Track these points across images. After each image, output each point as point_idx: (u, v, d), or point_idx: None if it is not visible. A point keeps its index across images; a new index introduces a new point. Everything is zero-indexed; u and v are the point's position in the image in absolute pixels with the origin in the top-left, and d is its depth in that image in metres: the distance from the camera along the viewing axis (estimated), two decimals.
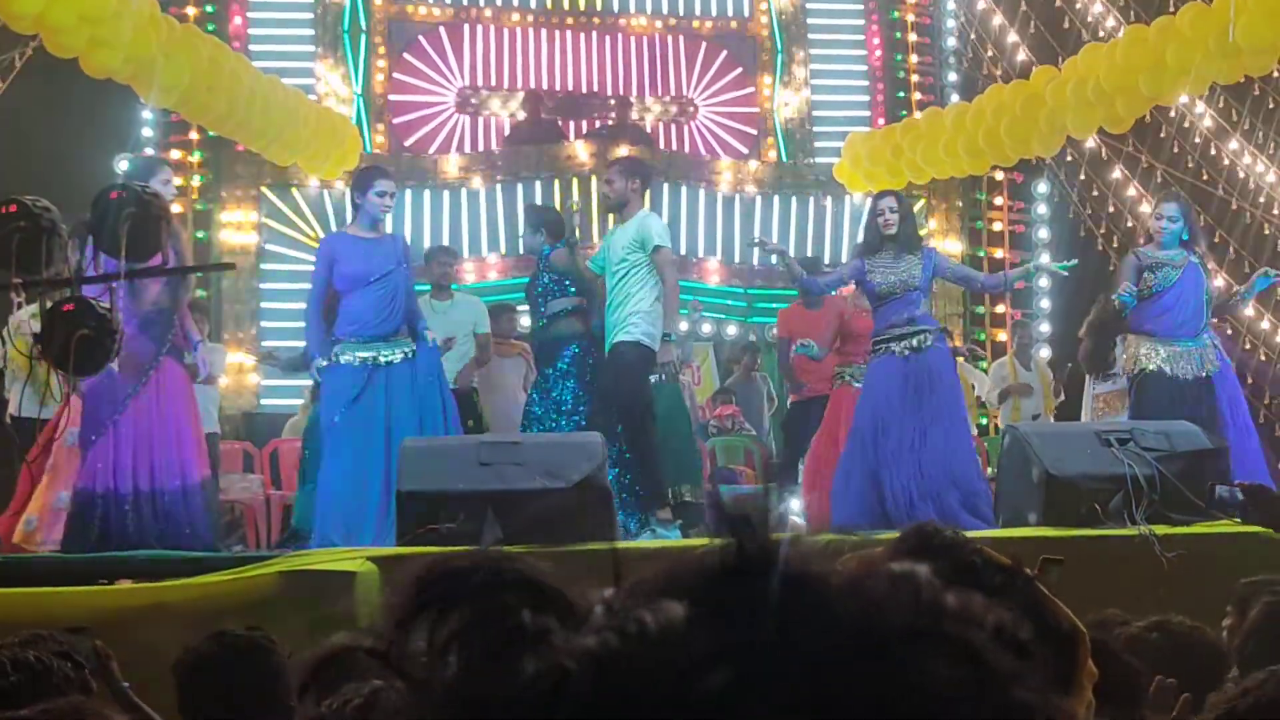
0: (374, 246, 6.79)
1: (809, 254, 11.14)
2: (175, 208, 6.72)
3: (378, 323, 6.68)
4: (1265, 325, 11.08)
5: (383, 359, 6.65)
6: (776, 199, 11.81)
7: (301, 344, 8.69)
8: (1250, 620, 3.02)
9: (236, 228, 11.44)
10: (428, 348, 6.80)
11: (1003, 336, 12.06)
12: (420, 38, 12.81)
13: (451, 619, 0.50)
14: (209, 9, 11.84)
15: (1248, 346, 10.75)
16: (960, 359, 10.54)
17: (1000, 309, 12.27)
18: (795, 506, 8.18)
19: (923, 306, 7.11)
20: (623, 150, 11.47)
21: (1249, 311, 11.02)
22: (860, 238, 7.75)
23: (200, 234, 11.39)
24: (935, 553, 1.28)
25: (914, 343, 6.94)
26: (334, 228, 11.34)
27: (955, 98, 12.14)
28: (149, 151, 11.06)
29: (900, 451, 6.80)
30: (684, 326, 9.15)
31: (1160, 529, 5.55)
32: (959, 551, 1.29)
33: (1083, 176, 12.34)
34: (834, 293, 8.19)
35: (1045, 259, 12.02)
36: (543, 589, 0.50)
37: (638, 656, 0.44)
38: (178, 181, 9.31)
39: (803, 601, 0.45)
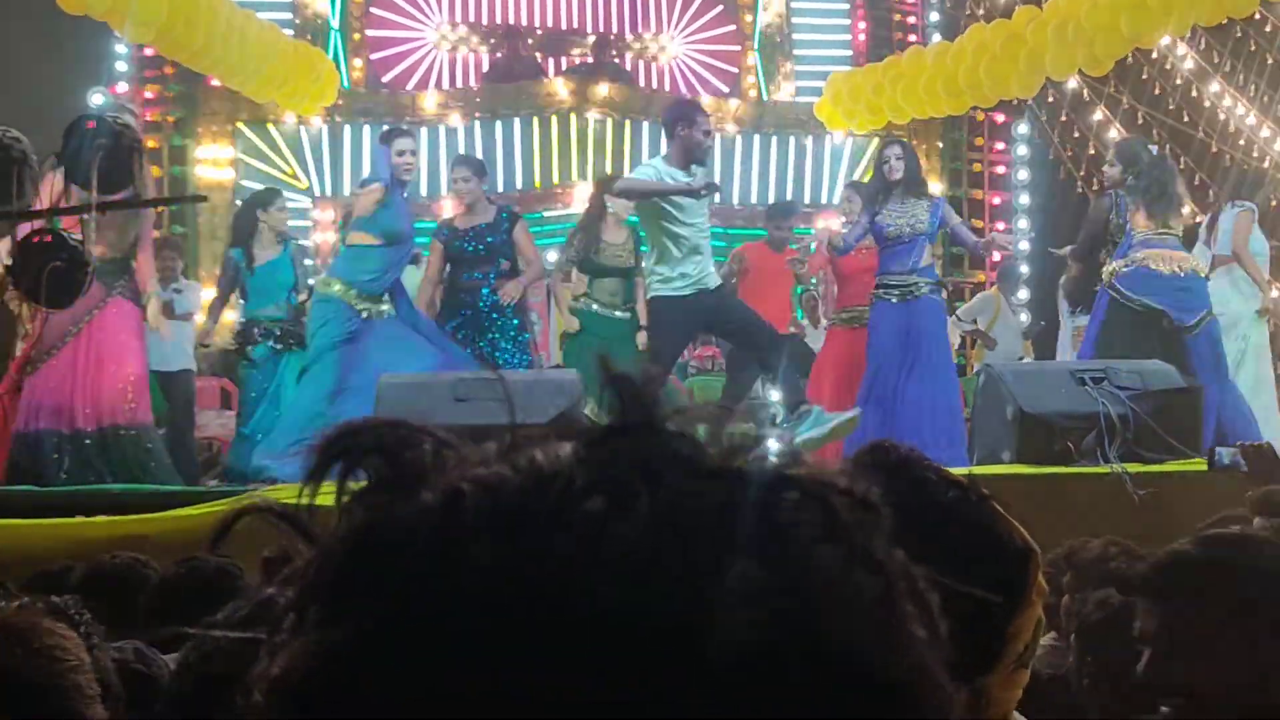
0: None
1: (788, 196, 11.11)
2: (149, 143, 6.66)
3: (382, 280, 6.89)
4: None
5: (375, 313, 6.88)
6: (757, 137, 11.75)
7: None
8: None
9: (212, 163, 11.34)
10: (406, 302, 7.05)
11: (981, 276, 12.10)
12: None
13: (356, 473, 0.55)
14: None
15: None
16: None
17: None
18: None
19: (926, 256, 7.30)
20: (602, 88, 11.39)
21: None
22: (846, 184, 8.02)
23: (175, 169, 11.31)
24: (890, 467, 1.29)
25: (911, 290, 7.21)
26: (310, 164, 11.26)
27: (937, 37, 12.07)
28: (123, 86, 10.93)
29: (885, 400, 7.10)
30: None
31: (1132, 467, 5.61)
32: (913, 467, 1.30)
33: (1064, 118, 12.32)
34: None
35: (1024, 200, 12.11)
36: (442, 439, 0.56)
37: (526, 483, 0.51)
38: (151, 120, 9.14)
39: (671, 450, 0.52)
